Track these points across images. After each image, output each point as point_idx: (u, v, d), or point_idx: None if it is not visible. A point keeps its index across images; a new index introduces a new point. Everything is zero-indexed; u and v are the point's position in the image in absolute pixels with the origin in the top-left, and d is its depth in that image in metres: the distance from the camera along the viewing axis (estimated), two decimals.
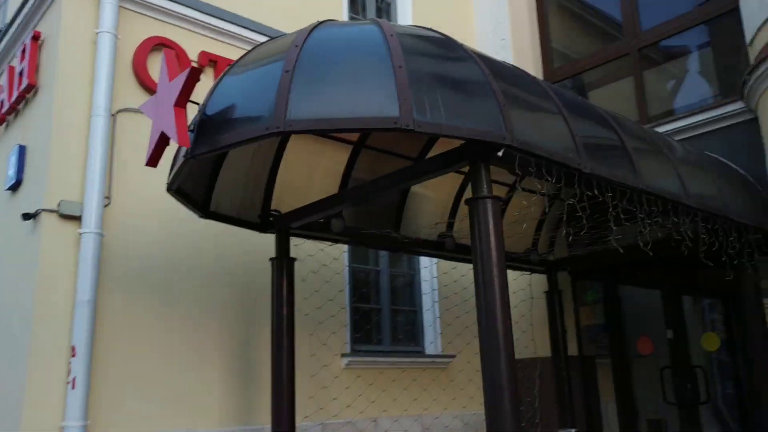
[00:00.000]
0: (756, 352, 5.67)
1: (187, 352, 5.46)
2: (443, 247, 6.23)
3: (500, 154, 3.57)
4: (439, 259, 7.49)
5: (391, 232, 5.79)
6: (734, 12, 6.80)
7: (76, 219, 5.06)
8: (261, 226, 5.31)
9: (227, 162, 4.93)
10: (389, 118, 3.33)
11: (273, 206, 5.35)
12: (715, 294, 7.16)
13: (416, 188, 6.18)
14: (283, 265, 5.09)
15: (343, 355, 6.51)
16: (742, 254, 5.46)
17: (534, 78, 4.56)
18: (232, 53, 6.20)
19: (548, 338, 7.35)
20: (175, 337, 5.42)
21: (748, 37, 6.23)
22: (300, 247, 5.57)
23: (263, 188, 5.33)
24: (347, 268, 6.81)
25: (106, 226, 5.15)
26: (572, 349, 7.61)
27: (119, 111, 5.46)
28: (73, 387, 4.70)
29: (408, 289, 7.60)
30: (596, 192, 4.10)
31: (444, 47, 3.93)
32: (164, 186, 5.37)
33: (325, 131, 4.05)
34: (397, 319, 7.35)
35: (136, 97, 5.59)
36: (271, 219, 5.28)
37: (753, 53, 6.13)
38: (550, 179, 3.79)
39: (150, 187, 5.45)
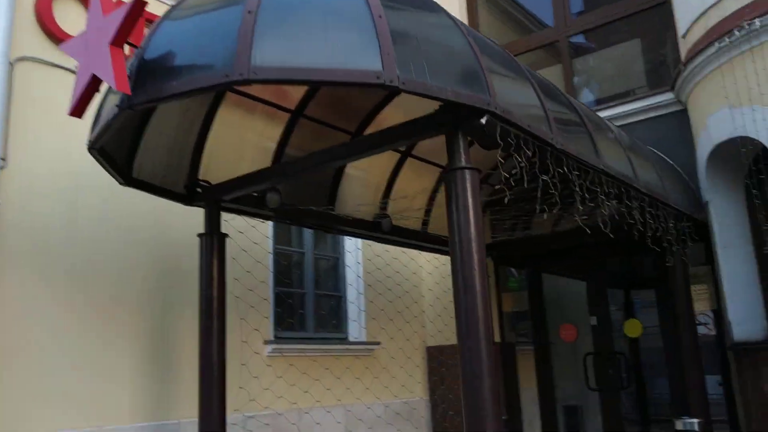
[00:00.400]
0: (685, 337, 5.76)
1: (96, 339, 4.79)
2: (380, 228, 5.91)
3: (483, 121, 3.27)
4: (365, 244, 7.18)
5: (331, 209, 5.39)
6: (664, 5, 6.92)
7: None
8: (187, 198, 4.74)
9: (152, 124, 4.32)
10: (371, 72, 2.94)
11: (201, 177, 4.79)
12: (641, 282, 7.30)
13: (350, 169, 5.82)
14: (213, 241, 4.56)
15: (267, 342, 6.02)
16: (678, 241, 5.53)
17: (503, 49, 4.31)
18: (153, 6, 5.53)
19: None
20: (82, 323, 4.73)
21: (681, 30, 6.32)
22: (230, 222, 5.04)
23: (190, 156, 4.75)
24: (271, 249, 6.32)
25: (1, 192, 4.39)
26: (495, 336, 7.56)
27: (18, 59, 4.68)
28: None
29: (332, 273, 7.21)
30: (565, 169, 3.92)
31: (419, 3, 3.57)
32: (71, 147, 4.72)
33: (296, 82, 3.57)
34: (321, 304, 6.94)
35: (40, 45, 4.84)
36: (200, 190, 4.71)
37: (686, 46, 6.22)
38: (528, 152, 3.54)
39: (54, 149, 4.75)
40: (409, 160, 6.21)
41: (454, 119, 3.42)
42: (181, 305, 5.36)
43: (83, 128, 4.90)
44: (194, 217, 5.06)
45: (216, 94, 4.62)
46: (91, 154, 3.84)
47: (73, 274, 4.74)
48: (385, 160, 6.06)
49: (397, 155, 6.13)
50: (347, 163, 5.55)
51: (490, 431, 3.04)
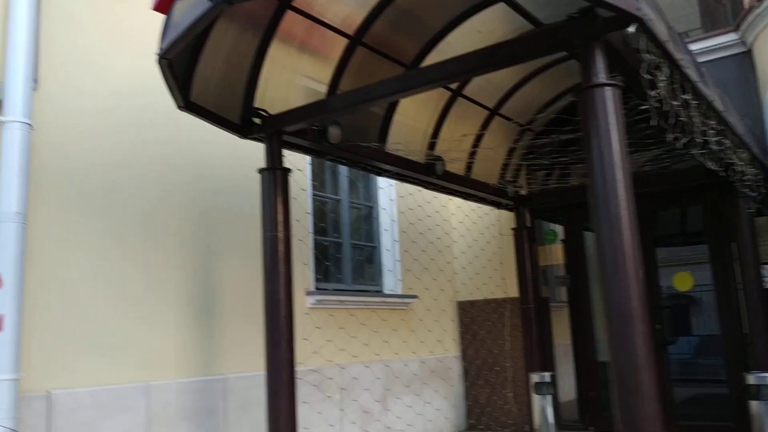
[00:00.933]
0: (753, 289, 5.49)
1: (138, 286, 4.31)
2: (433, 172, 5.48)
3: (633, 29, 2.83)
4: (399, 192, 6.75)
5: (382, 146, 4.96)
6: None
7: None
8: (242, 129, 4.23)
9: (209, 44, 3.78)
10: None
11: (257, 106, 4.28)
12: (692, 234, 7.01)
13: (398, 116, 5.34)
14: (276, 177, 4.08)
15: (309, 293, 5.59)
16: (755, 188, 5.22)
17: None
18: None
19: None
20: (123, 267, 4.24)
21: None
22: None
23: (245, 85, 4.23)
24: (310, 195, 5.86)
25: (35, 117, 3.83)
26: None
27: None
28: (0, 329, 3.45)
29: (366, 223, 6.77)
30: (689, 97, 3.52)
31: None
32: (108, 70, 4.21)
33: None
34: (355, 254, 6.51)
35: None
36: (258, 121, 4.20)
37: None
38: (660, 68, 3.12)
39: (89, 71, 4.19)
40: (457, 101, 5.80)
41: (588, 29, 2.98)
42: (223, 251, 4.90)
43: (119, 44, 4.38)
44: (238, 150, 4.61)
45: (269, 24, 4.08)
46: (160, 66, 3.31)
47: (114, 213, 4.23)
48: (433, 101, 5.64)
49: (447, 96, 5.71)
50: (408, 97, 5.07)
51: (645, 382, 2.68)
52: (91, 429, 3.89)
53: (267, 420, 3.84)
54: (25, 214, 3.62)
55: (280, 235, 4.00)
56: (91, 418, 3.89)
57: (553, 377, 6.33)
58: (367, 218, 6.77)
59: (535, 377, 6.34)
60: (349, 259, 6.33)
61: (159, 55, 3.20)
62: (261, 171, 4.11)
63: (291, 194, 4.26)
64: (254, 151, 4.53)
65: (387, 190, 6.82)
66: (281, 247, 3.99)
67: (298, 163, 5.26)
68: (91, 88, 4.19)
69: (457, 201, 6.84)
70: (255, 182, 4.56)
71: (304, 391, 5.31)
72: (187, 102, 3.73)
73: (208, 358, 4.69)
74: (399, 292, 6.69)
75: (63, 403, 3.78)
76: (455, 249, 7.44)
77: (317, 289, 5.75)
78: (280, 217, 4.02)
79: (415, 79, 4.01)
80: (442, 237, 7.19)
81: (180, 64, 3.57)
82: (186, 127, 4.59)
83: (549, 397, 6.26)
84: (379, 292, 6.59)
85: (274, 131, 4.16)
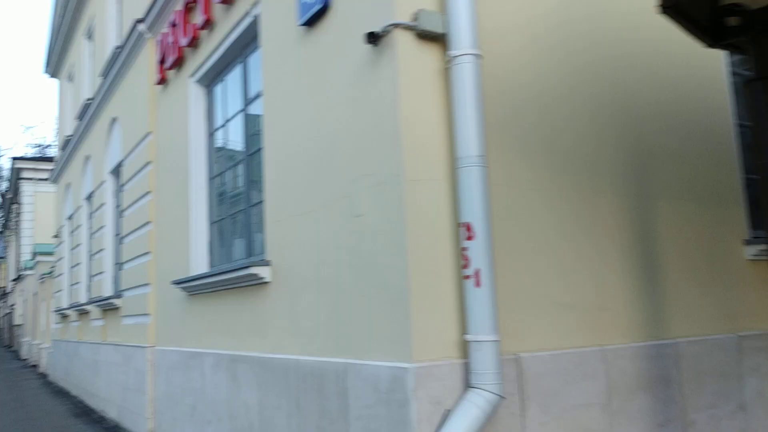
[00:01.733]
0: None
1: (580, 237, 3.76)
2: None
3: None
4: None
5: None
6: None
7: (439, 39, 3.36)
8: (714, 34, 3.37)
9: None
10: None
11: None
12: None
13: None
14: None
15: (746, 242, 4.60)
16: None
17: None
18: None
19: None
20: (563, 215, 3.71)
21: None
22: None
23: None
24: (733, 121, 4.81)
25: (482, 47, 3.42)
26: None
27: None
28: (477, 284, 3.10)
29: None
30: None
31: None
32: None
33: None
34: None
35: None
36: (735, 21, 3.31)
37: None
38: None
39: None
40: None
41: None
42: (664, 196, 4.16)
43: None
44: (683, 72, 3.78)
45: None
46: None
47: (551, 152, 3.72)
48: None
49: None
50: None
51: None
52: (558, 396, 3.45)
53: None
54: (485, 157, 3.23)
55: None
56: (556, 384, 3.45)
57: None
58: None
59: None
60: None
61: None
62: (748, 83, 3.22)
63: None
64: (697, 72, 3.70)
65: None
66: None
67: None
68: (524, 11, 3.71)
69: None
70: (703, 109, 3.73)
71: (751, 362, 4.38)
72: (667, 3, 2.99)
73: (655, 319, 4.00)
74: None
75: (531, 368, 3.37)
76: None
77: (754, 237, 4.72)
78: None
79: None
80: None
81: None
82: (616, 48, 3.93)
83: None
84: None
85: (763, 30, 3.23)
